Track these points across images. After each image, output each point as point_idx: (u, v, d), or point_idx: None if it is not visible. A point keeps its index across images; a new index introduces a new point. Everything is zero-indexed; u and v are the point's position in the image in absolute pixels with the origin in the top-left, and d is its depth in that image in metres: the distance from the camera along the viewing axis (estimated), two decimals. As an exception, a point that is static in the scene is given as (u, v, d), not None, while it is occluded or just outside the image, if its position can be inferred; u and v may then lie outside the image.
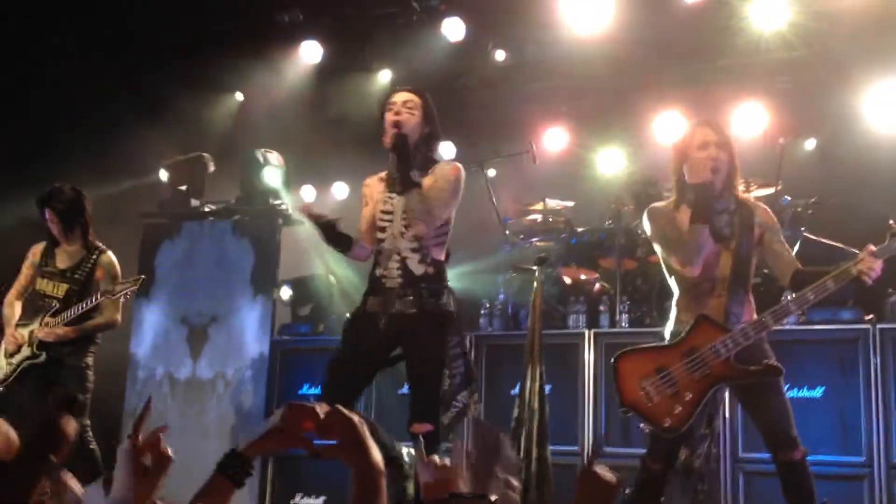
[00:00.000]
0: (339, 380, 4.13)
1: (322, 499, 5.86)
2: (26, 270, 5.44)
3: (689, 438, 3.89)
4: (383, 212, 4.15)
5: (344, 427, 1.76)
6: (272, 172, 6.96)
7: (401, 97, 4.14)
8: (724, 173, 3.85)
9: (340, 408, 1.80)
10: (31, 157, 7.14)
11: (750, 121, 6.99)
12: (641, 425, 3.87)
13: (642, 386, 3.79)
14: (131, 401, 6.78)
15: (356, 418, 1.78)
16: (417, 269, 4.04)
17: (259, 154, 7.05)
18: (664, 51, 7.47)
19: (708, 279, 3.86)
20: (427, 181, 4.08)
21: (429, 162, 4.17)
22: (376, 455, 1.74)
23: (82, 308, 5.19)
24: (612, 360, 3.95)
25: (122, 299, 5.28)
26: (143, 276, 5.47)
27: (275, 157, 7.06)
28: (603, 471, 2.21)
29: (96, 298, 5.19)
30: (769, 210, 4.00)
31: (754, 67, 7.52)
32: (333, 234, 4.12)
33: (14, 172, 6.88)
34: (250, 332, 6.68)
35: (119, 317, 5.40)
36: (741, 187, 4.06)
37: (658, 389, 3.76)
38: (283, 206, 6.96)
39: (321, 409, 1.81)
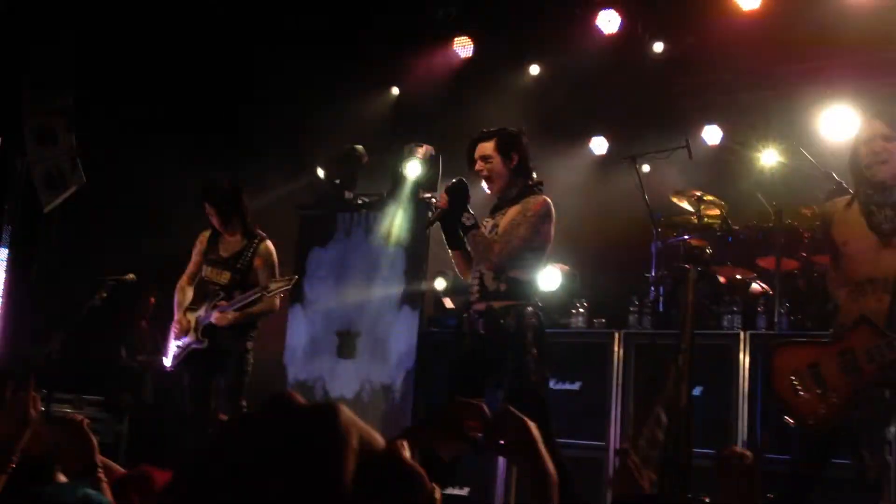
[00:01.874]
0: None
1: (467, 489, 5.90)
2: (195, 257, 5.72)
3: (841, 444, 3.80)
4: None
5: (516, 429, 1.70)
6: (414, 165, 7.05)
7: (478, 152, 4.44)
8: (892, 164, 3.69)
9: (512, 409, 1.77)
10: (214, 152, 7.40)
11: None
12: (785, 417, 3.83)
13: (792, 379, 3.74)
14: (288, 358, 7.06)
15: (529, 423, 1.71)
16: (491, 285, 4.33)
17: (407, 148, 7.16)
18: (832, 41, 7.09)
19: (869, 279, 3.69)
20: (510, 213, 4.37)
21: (522, 193, 4.43)
22: (549, 462, 1.69)
23: (244, 300, 5.40)
24: (770, 349, 3.93)
25: (280, 295, 5.48)
26: (296, 276, 5.68)
27: (422, 151, 7.15)
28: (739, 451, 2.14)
29: (255, 293, 5.39)
30: None
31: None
32: (448, 227, 4.43)
33: (199, 156, 7.14)
34: (401, 323, 6.79)
35: (278, 303, 5.61)
36: None
37: (806, 385, 3.70)
38: (433, 199, 7.03)
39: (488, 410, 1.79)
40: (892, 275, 3.63)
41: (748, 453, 2.18)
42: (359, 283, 7.04)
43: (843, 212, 3.87)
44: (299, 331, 7.19)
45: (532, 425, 1.70)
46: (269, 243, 5.61)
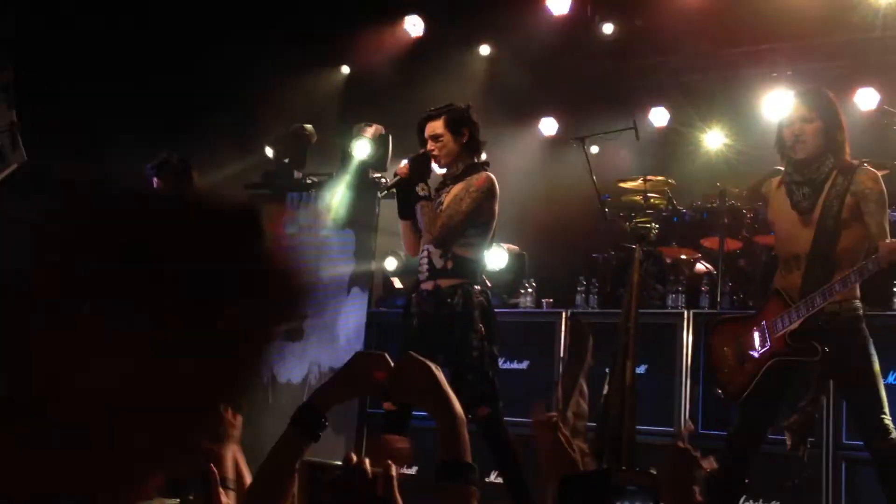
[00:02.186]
0: None
1: (415, 468, 5.93)
2: None
3: (769, 416, 3.98)
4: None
5: (420, 374, 1.74)
6: (362, 145, 7.01)
7: (428, 130, 4.48)
8: (809, 144, 3.85)
9: (415, 355, 1.78)
10: (160, 130, 7.29)
11: (863, 99, 6.72)
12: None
13: (724, 353, 4.06)
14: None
15: (432, 365, 1.75)
16: (438, 262, 4.38)
17: (357, 127, 7.11)
18: (775, 26, 7.21)
19: (794, 255, 3.89)
20: (455, 189, 4.42)
21: (467, 170, 4.47)
22: (456, 404, 1.72)
23: None
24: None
25: None
26: None
27: (371, 131, 7.11)
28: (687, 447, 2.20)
29: None
30: (875, 177, 3.84)
31: (871, 44, 7.20)
32: (403, 195, 4.49)
33: (137, 139, 7.05)
34: (350, 305, 6.78)
35: None
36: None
37: (732, 358, 4.00)
38: (382, 179, 7.01)
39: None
40: (809, 250, 3.80)
41: (698, 454, 2.25)
42: (307, 265, 7.01)
43: (774, 192, 4.05)
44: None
45: (434, 367, 1.73)
46: None
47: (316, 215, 7.07)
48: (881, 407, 3.66)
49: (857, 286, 3.76)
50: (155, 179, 5.45)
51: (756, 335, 3.93)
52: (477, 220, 4.40)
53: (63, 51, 6.85)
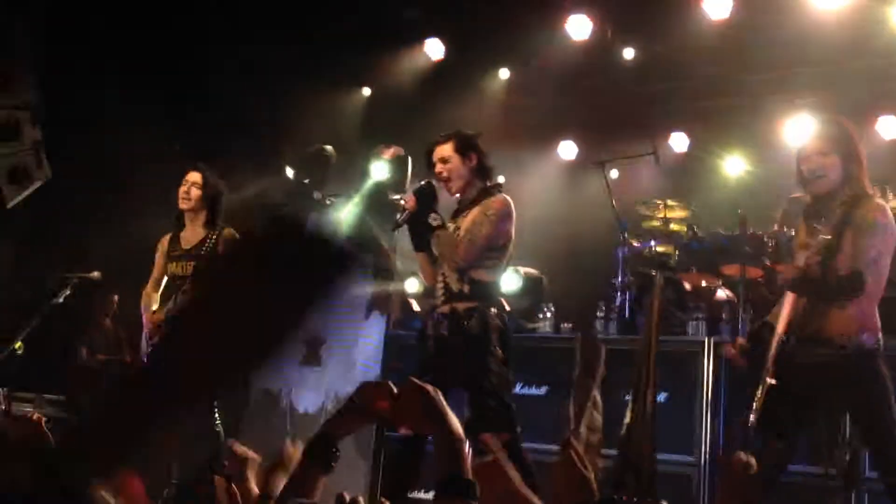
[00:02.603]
0: None
1: (433, 493, 5.89)
2: (159, 261, 5.65)
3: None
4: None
5: (419, 398, 1.77)
6: (380, 167, 7.02)
7: (436, 155, 4.51)
8: (828, 179, 3.84)
9: (414, 379, 1.80)
10: (182, 149, 7.35)
11: (885, 127, 6.69)
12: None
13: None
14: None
15: (430, 388, 1.78)
16: (455, 286, 4.37)
17: (376, 149, 7.13)
18: (796, 52, 7.20)
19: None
20: (471, 214, 4.40)
21: (481, 195, 4.48)
22: (454, 422, 1.75)
23: None
24: None
25: None
26: None
27: (390, 152, 7.11)
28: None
29: None
30: (878, 208, 3.80)
31: (893, 71, 7.17)
32: (415, 228, 4.49)
33: (167, 154, 7.09)
34: (368, 328, 6.75)
35: None
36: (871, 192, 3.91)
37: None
38: (401, 200, 7.01)
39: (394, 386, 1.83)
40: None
41: (753, 462, 2.23)
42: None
43: (801, 224, 4.03)
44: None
45: (433, 389, 1.75)
46: (233, 230, 5.58)
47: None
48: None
49: (870, 316, 3.72)
50: (192, 171, 5.50)
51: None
52: (495, 244, 4.40)
53: (89, 68, 6.92)
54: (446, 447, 1.73)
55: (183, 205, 5.51)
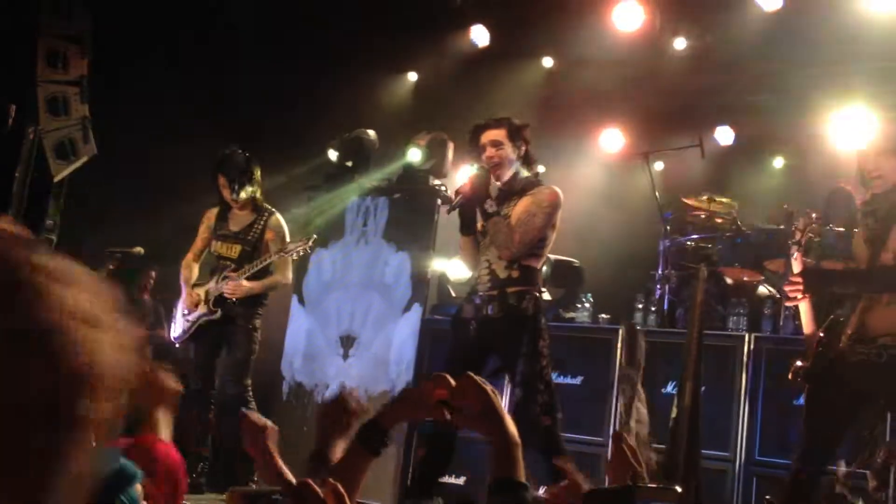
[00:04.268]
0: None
1: (463, 479, 5.90)
2: (202, 233, 5.70)
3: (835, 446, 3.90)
4: (483, 223, 4.48)
5: (477, 397, 1.76)
6: (418, 152, 7.02)
7: (486, 137, 4.48)
8: (886, 179, 3.85)
9: (474, 376, 1.80)
10: (226, 130, 7.38)
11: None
12: None
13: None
14: (286, 362, 7.03)
15: (489, 388, 1.78)
16: (503, 273, 4.38)
17: (418, 135, 7.12)
18: (850, 47, 7.06)
19: None
20: (523, 203, 4.39)
21: (529, 184, 4.50)
22: (511, 426, 1.75)
23: (258, 266, 5.41)
24: None
25: (294, 257, 5.48)
26: (314, 236, 5.65)
27: (429, 138, 7.11)
28: None
29: (270, 257, 5.41)
30: None
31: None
32: (466, 213, 4.48)
33: (211, 133, 7.13)
34: (406, 317, 6.75)
35: (290, 276, 5.61)
36: None
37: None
38: (442, 186, 7.00)
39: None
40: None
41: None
42: (364, 266, 7.01)
43: (859, 222, 4.05)
44: (299, 325, 7.12)
45: (491, 390, 1.75)
46: (280, 217, 5.61)
47: (373, 221, 7.08)
48: None
49: None
50: (219, 175, 5.52)
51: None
52: (545, 234, 4.47)
53: (137, 46, 6.98)
54: (502, 450, 1.73)
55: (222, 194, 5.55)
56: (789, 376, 4.03)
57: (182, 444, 3.32)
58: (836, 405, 3.83)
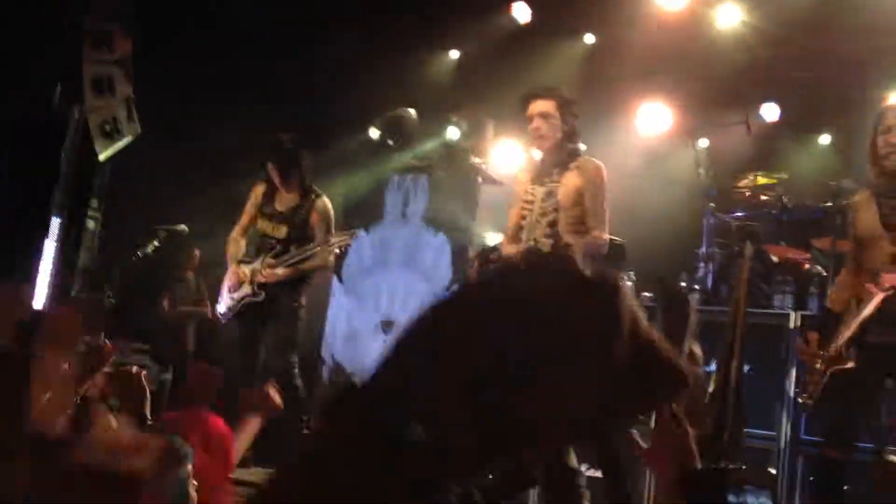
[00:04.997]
0: None
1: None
2: (249, 210, 5.75)
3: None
4: (525, 201, 4.41)
5: (676, 438, 1.66)
6: (456, 130, 7.03)
7: (536, 108, 4.38)
8: None
9: (679, 416, 1.69)
10: (271, 109, 7.42)
11: None
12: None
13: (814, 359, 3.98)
14: (326, 343, 7.08)
15: (690, 430, 1.67)
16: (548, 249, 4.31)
17: (456, 114, 7.12)
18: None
19: (873, 268, 3.86)
20: (572, 180, 4.31)
21: (572, 156, 4.40)
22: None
23: (300, 255, 5.45)
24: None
25: (336, 251, 5.50)
26: (357, 230, 5.69)
27: (467, 117, 7.10)
28: None
29: (313, 247, 5.43)
30: None
31: None
32: None
33: (256, 112, 7.17)
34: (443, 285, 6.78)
35: (332, 259, 5.64)
36: None
37: (816, 363, 3.94)
38: (482, 164, 7.00)
39: None
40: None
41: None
42: (406, 243, 7.03)
43: (865, 202, 3.92)
44: (339, 307, 7.16)
45: (692, 432, 1.64)
46: (326, 200, 5.64)
47: (416, 198, 7.10)
48: None
49: None
50: (269, 163, 5.56)
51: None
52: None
53: (181, 24, 7.02)
54: (675, 482, 1.63)
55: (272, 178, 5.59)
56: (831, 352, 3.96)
57: (228, 420, 3.36)
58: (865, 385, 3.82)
